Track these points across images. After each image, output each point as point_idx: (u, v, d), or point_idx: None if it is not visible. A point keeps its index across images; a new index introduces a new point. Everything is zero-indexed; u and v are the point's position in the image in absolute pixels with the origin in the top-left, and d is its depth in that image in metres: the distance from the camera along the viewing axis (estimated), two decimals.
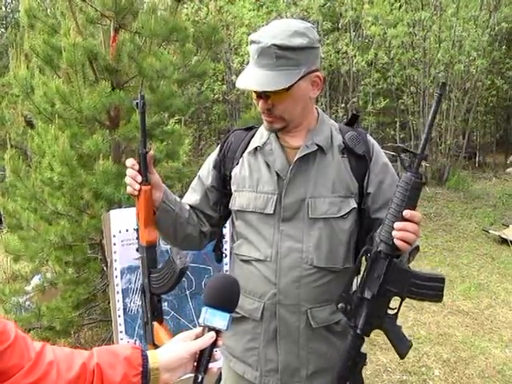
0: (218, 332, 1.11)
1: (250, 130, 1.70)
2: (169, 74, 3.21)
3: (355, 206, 1.54)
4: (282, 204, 1.52)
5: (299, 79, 1.44)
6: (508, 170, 12.72)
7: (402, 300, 1.36)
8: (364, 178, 1.55)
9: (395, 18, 9.12)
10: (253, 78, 1.44)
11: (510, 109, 16.72)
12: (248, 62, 1.50)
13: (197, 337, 1.12)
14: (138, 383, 1.02)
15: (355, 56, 9.18)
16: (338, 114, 9.48)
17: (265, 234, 1.54)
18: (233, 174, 1.63)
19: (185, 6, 7.22)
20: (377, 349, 3.96)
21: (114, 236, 2.41)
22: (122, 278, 2.47)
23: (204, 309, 1.12)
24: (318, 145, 1.53)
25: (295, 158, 1.52)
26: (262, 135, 1.62)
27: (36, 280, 3.82)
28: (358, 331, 1.35)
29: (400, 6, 9.28)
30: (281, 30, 1.42)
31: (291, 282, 1.50)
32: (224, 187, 1.68)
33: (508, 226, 7.15)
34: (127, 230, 2.40)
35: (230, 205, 1.64)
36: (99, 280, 3.66)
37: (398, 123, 10.93)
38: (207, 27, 3.62)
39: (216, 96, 9.97)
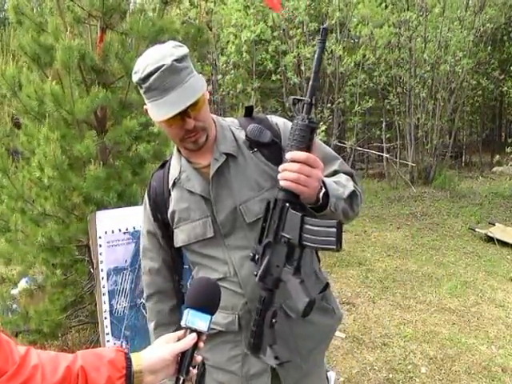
0: (199, 334, 1.14)
1: (165, 165, 1.66)
2: None
3: None
4: (218, 222, 1.51)
5: None
6: (494, 168, 12.86)
7: (302, 250, 1.32)
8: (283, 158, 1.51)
9: (382, 18, 9.20)
10: (172, 104, 1.36)
11: (495, 108, 16.95)
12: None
13: (179, 339, 1.15)
14: None
15: (341, 57, 9.25)
16: (323, 115, 9.52)
17: (216, 256, 1.54)
18: (169, 215, 1.60)
19: (175, 5, 7.21)
20: (363, 347, 3.99)
21: (100, 237, 2.39)
22: (108, 280, 2.45)
23: (186, 311, 1.16)
24: (225, 153, 1.51)
25: (210, 176, 1.50)
26: (174, 167, 1.59)
27: (23, 283, 3.79)
28: (257, 279, 1.35)
29: (386, 7, 9.36)
30: (163, 51, 1.38)
31: (257, 287, 1.47)
32: (168, 230, 1.64)
33: (494, 225, 7.24)
34: (113, 232, 2.39)
35: (174, 243, 1.61)
36: (86, 282, 3.65)
37: (384, 123, 11.01)
38: (193, 28, 3.62)
39: None
